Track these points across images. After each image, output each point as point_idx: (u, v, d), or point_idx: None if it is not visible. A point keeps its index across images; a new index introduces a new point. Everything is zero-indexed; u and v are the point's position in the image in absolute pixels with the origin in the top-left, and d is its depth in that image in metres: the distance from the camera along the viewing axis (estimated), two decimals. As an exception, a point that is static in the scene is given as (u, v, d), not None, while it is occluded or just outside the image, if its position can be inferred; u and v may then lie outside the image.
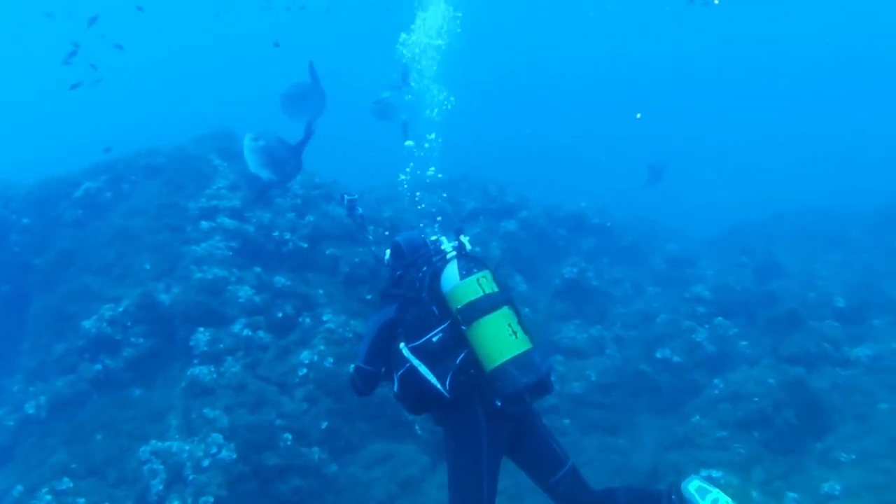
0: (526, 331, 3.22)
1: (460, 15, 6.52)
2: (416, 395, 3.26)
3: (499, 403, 3.11)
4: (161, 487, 5.90)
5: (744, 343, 8.27)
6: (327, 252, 8.58)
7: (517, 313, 3.27)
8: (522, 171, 19.75)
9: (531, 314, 8.92)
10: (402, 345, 3.29)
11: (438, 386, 3.16)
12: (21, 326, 8.44)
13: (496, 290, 3.26)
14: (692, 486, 3.16)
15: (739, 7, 36.45)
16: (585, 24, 40.87)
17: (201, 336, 7.27)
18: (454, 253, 3.44)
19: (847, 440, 5.94)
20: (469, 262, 3.33)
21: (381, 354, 3.42)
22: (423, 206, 8.27)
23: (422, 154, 5.19)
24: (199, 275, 7.83)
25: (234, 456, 6.08)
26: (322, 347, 7.19)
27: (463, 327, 3.16)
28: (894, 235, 12.37)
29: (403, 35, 6.36)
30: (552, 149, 27.47)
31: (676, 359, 8.00)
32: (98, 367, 7.38)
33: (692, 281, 10.08)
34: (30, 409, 7.14)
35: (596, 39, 41.20)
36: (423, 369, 3.20)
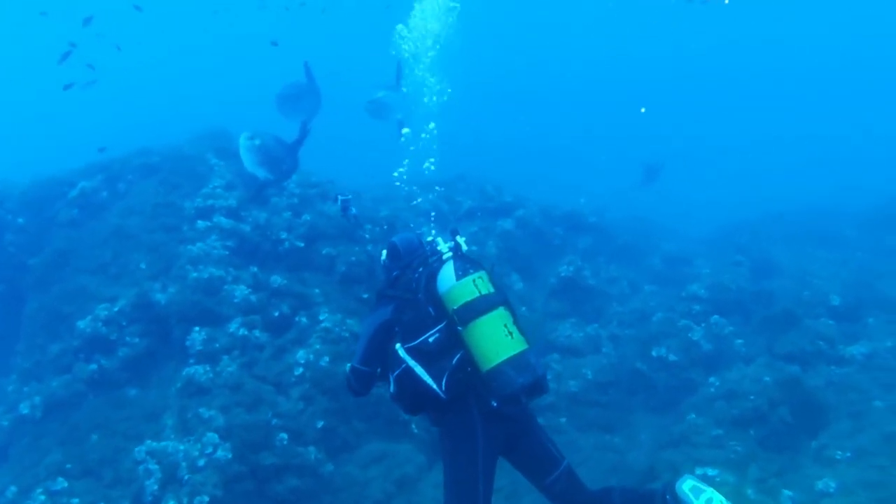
0: (522, 331, 3.22)
1: (457, 6, 6.47)
2: (413, 395, 3.26)
3: (495, 404, 3.12)
4: (156, 488, 5.89)
5: (739, 341, 8.31)
6: (324, 251, 8.58)
7: (513, 314, 3.27)
8: (522, 171, 19.77)
9: (528, 313, 8.93)
10: (398, 345, 3.29)
11: (434, 386, 3.16)
12: (16, 326, 8.41)
13: (492, 290, 3.26)
14: (686, 485, 3.17)
15: (739, 7, 36.44)
16: (585, 24, 40.88)
17: (197, 335, 7.27)
18: (450, 254, 3.44)
19: (842, 438, 5.97)
20: (465, 263, 3.33)
21: (377, 355, 3.42)
22: (419, 200, 8.24)
23: (418, 147, 5.15)
24: (195, 274, 7.82)
25: (230, 456, 6.07)
26: (318, 347, 7.19)
27: (459, 328, 3.16)
28: (890, 234, 12.43)
29: (400, 26, 6.33)
30: (552, 149, 27.47)
31: (672, 357, 8.03)
32: (93, 367, 7.37)
33: (688, 280, 10.09)
34: (24, 409, 7.11)
35: (596, 39, 41.21)
36: (420, 370, 3.20)
